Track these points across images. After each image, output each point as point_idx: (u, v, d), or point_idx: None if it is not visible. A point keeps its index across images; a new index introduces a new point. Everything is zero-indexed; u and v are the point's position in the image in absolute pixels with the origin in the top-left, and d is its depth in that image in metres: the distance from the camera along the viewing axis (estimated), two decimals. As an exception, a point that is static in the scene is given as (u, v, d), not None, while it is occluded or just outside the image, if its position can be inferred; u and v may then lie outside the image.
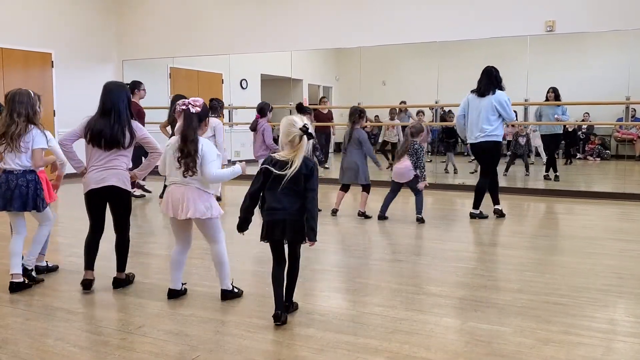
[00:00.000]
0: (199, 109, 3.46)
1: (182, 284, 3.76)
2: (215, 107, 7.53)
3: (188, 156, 3.41)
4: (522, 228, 6.11)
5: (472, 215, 6.42)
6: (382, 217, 6.36)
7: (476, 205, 6.42)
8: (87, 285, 3.81)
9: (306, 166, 3.13)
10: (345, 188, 6.73)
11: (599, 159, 12.48)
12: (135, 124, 3.81)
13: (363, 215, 6.51)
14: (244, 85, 12.98)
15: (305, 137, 3.11)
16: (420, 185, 6.21)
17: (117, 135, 3.69)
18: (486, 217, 6.40)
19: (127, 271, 4.02)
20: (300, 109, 7.16)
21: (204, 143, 3.48)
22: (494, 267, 4.60)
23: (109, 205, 3.85)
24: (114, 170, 3.75)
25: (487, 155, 6.33)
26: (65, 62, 10.73)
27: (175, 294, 3.68)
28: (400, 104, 12.20)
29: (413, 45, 9.95)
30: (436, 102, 9.92)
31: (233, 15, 10.63)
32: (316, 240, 3.18)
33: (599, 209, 7.55)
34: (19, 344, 2.98)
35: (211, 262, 4.66)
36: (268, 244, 3.25)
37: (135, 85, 8.12)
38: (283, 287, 3.24)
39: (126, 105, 3.78)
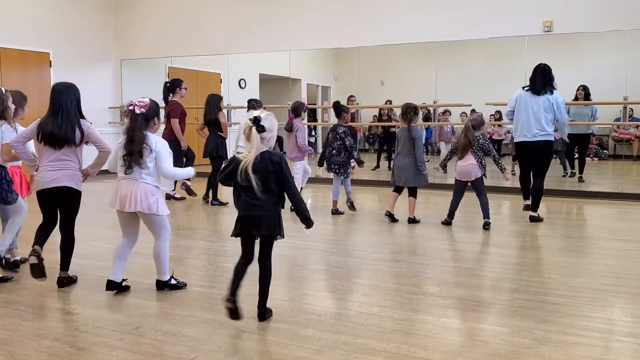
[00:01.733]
0: (143, 110, 3.58)
1: (123, 280, 3.80)
2: (253, 107, 7.39)
3: (131, 154, 3.55)
4: (520, 228, 6.11)
5: (533, 219, 6.23)
6: (448, 222, 6.02)
7: (535, 207, 6.27)
8: (39, 276, 3.80)
9: (272, 162, 3.05)
10: (399, 190, 6.35)
11: (597, 158, 12.49)
12: (84, 122, 3.86)
13: (413, 221, 6.20)
14: (243, 85, 12.97)
15: (254, 129, 3.02)
16: (505, 175, 5.99)
17: (67, 134, 3.75)
18: (542, 220, 6.28)
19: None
20: (337, 107, 6.88)
21: (157, 141, 3.62)
22: (491, 267, 4.60)
23: (59, 204, 3.89)
24: (66, 170, 3.81)
25: (543, 154, 6.20)
26: (64, 61, 10.70)
27: (113, 286, 3.74)
28: (385, 103, 12.21)
29: (411, 45, 9.95)
30: (434, 102, 9.92)
31: (231, 15, 10.62)
32: (312, 224, 3.18)
33: (596, 208, 7.56)
34: (15, 344, 2.97)
35: (208, 261, 4.68)
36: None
37: (177, 84, 7.72)
38: (242, 279, 3.19)
39: (74, 105, 3.83)
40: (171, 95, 7.65)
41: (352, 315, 3.38)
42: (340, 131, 6.66)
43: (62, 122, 3.75)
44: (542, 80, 6.14)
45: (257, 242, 3.22)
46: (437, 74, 9.68)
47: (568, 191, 8.54)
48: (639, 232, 6.04)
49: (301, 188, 7.10)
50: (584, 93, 9.09)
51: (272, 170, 3.05)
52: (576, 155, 9.86)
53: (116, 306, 3.57)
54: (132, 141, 3.54)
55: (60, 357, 2.81)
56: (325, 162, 6.87)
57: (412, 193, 6.26)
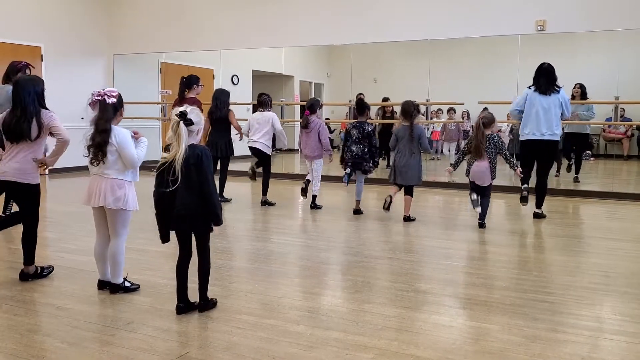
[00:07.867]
0: (114, 100, 3.52)
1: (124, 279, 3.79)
2: (266, 101, 7.25)
3: (97, 146, 3.49)
4: (511, 226, 6.14)
5: (536, 215, 6.34)
6: (482, 225, 5.84)
7: (539, 205, 6.35)
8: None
9: (194, 155, 3.12)
10: (399, 185, 6.24)
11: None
12: (45, 113, 3.83)
13: (409, 219, 6.16)
14: (235, 81, 12.94)
15: (182, 123, 3.09)
16: (518, 171, 5.89)
17: (22, 128, 3.74)
18: (545, 216, 6.39)
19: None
20: (361, 104, 6.72)
21: (118, 133, 3.53)
22: (482, 264, 4.62)
23: (13, 197, 3.95)
24: (17, 164, 3.80)
25: (549, 154, 6.28)
26: (55, 56, 10.64)
27: (103, 285, 3.75)
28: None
29: (404, 43, 9.96)
30: (427, 100, 9.94)
31: (224, 10, 10.59)
32: (222, 223, 3.27)
33: (587, 207, 7.61)
34: (6, 340, 2.95)
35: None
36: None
37: (194, 81, 7.29)
38: (186, 279, 3.31)
39: (33, 98, 3.79)
40: (187, 91, 7.27)
41: (343, 312, 3.39)
42: (369, 129, 6.50)
43: (20, 115, 3.73)
44: (546, 81, 6.19)
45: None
46: (430, 72, 9.70)
47: (559, 190, 8.59)
48: (628, 231, 6.10)
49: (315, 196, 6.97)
50: (581, 91, 9.11)
51: (193, 162, 3.11)
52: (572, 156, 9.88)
53: (107, 302, 3.57)
54: (101, 132, 3.47)
55: (51, 352, 2.80)
56: (349, 162, 6.57)
57: (409, 191, 6.24)
